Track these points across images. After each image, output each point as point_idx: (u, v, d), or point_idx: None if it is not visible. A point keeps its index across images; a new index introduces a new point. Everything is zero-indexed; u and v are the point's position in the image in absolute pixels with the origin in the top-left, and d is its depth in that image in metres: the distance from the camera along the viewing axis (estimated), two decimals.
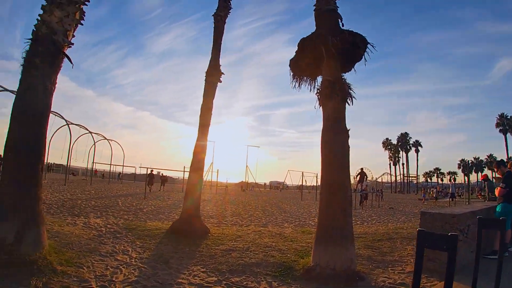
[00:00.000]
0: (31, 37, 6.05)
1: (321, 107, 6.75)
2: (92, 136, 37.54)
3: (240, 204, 22.91)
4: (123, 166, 45.44)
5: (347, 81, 6.76)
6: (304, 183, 45.65)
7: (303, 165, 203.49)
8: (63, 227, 9.00)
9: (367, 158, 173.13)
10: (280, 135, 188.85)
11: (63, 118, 29.47)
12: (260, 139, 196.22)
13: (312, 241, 9.17)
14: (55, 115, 28.59)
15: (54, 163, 53.85)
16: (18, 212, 5.56)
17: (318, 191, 35.63)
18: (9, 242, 5.37)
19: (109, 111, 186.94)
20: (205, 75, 10.09)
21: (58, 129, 31.62)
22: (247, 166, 49.08)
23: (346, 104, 6.65)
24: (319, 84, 7.00)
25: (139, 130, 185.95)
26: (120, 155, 45.93)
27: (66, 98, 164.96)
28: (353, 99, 6.74)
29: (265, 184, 76.85)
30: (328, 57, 6.51)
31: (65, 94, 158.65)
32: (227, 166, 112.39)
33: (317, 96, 6.85)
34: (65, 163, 34.97)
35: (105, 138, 41.33)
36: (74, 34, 6.65)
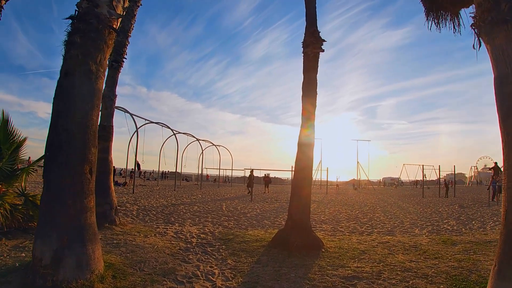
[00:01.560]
0: (72, 15, 4.73)
1: (484, 44, 4.36)
2: (200, 143, 37.92)
3: (355, 204, 20.24)
4: (231, 169, 45.63)
5: None
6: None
7: (418, 158, 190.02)
8: (149, 238, 7.67)
9: (492, 143, 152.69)
10: (389, 127, 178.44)
11: (169, 128, 29.85)
12: (368, 133, 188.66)
13: (464, 257, 6.60)
14: (162, 126, 29.12)
15: (168, 171, 56.23)
16: (56, 227, 4.09)
17: (441, 186, 31.40)
18: (45, 264, 3.96)
19: (217, 120, 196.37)
20: (302, 46, 7.98)
21: (167, 139, 32.35)
22: (358, 162, 45.67)
23: None
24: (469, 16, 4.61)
25: (246, 135, 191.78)
26: (230, 160, 46.00)
27: (177, 112, 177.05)
28: None
29: (379, 181, 71.83)
30: None
31: (176, 109, 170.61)
32: (337, 164, 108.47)
33: (474, 29, 4.47)
34: (178, 170, 35.80)
35: (213, 144, 41.69)
36: (125, 7, 5.28)
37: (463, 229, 10.98)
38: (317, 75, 7.87)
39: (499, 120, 4.02)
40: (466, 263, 6.21)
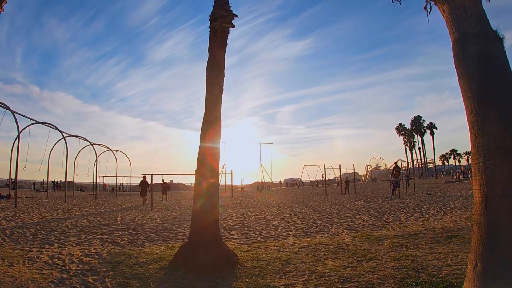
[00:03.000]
0: None
1: (438, 6, 3.82)
2: (93, 148, 34.53)
3: (262, 206, 19.55)
4: (130, 177, 42.12)
5: None
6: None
7: (315, 160, 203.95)
8: (14, 266, 5.84)
9: (381, 146, 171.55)
10: (289, 132, 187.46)
11: (58, 130, 26.48)
12: (269, 138, 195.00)
13: (400, 254, 5.87)
14: (50, 127, 25.73)
15: (61, 181, 50.48)
16: None
17: (342, 185, 32.48)
18: None
19: (116, 124, 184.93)
20: (209, 20, 6.70)
21: (56, 143, 28.84)
22: (261, 164, 45.74)
23: None
24: None
25: (148, 140, 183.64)
26: (129, 166, 42.36)
27: (73, 115, 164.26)
28: None
29: (280, 182, 73.49)
30: None
31: (71, 112, 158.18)
32: (241, 167, 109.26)
33: None
34: (70, 179, 32.07)
35: (109, 149, 38.37)
36: None
37: (379, 223, 10.71)
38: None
39: (465, 89, 3.26)
40: (406, 261, 5.51)
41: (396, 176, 24.08)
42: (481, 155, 3.21)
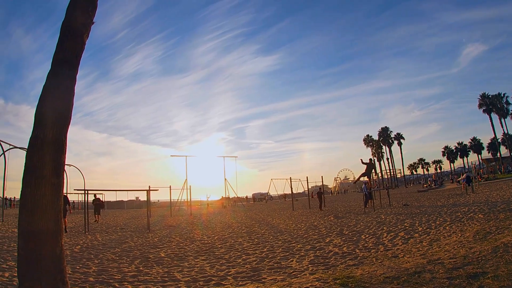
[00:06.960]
0: None
1: None
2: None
3: (216, 227, 16.60)
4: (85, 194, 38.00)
5: None
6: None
7: (285, 174, 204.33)
8: None
9: (348, 158, 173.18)
10: (258, 146, 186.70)
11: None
12: (237, 153, 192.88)
13: None
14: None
15: (14, 197, 45.14)
16: None
17: (314, 197, 29.74)
18: None
19: (82, 140, 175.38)
20: None
21: None
22: (225, 179, 42.62)
23: None
24: None
25: (114, 156, 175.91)
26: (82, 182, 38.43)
27: None
28: None
29: (246, 197, 70.68)
30: None
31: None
32: (207, 183, 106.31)
33: None
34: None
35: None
36: None
37: (357, 249, 8.03)
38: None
39: None
40: None
41: (368, 176, 21.31)
42: None
